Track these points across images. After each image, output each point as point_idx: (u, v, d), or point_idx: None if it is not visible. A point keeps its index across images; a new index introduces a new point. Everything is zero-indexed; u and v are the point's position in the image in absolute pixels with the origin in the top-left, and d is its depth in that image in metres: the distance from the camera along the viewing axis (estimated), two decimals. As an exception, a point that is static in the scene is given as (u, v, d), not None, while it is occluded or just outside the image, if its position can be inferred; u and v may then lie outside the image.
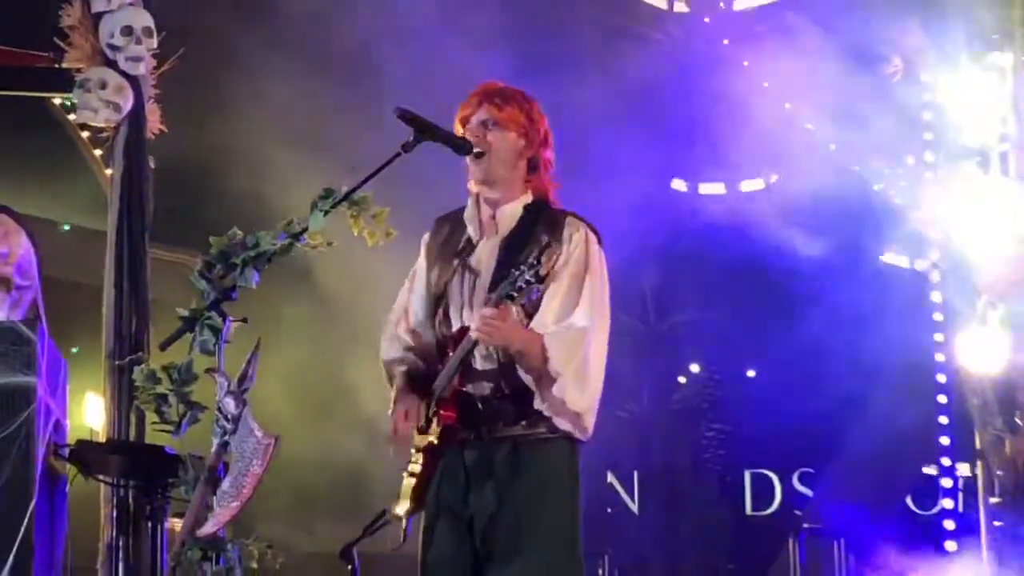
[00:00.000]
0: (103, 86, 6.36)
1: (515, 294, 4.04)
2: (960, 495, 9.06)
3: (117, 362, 6.14)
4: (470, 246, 4.38)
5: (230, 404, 4.31)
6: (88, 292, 6.72)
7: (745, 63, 9.75)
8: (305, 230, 4.43)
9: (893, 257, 9.51)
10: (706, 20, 10.40)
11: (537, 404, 4.18)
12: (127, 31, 6.40)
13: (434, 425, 4.24)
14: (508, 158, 4.35)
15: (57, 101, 7.61)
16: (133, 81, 6.43)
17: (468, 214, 4.43)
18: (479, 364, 4.25)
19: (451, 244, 4.41)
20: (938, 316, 8.97)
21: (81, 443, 5.66)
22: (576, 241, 4.25)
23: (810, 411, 9.63)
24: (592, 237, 4.31)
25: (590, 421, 4.23)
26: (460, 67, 7.33)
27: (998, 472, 8.48)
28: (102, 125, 6.48)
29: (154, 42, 6.48)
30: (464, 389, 4.24)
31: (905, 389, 9.37)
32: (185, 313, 4.42)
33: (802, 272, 9.32)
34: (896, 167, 8.75)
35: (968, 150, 8.44)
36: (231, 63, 8.29)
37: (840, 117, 8.66)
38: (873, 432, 9.60)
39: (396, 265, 4.63)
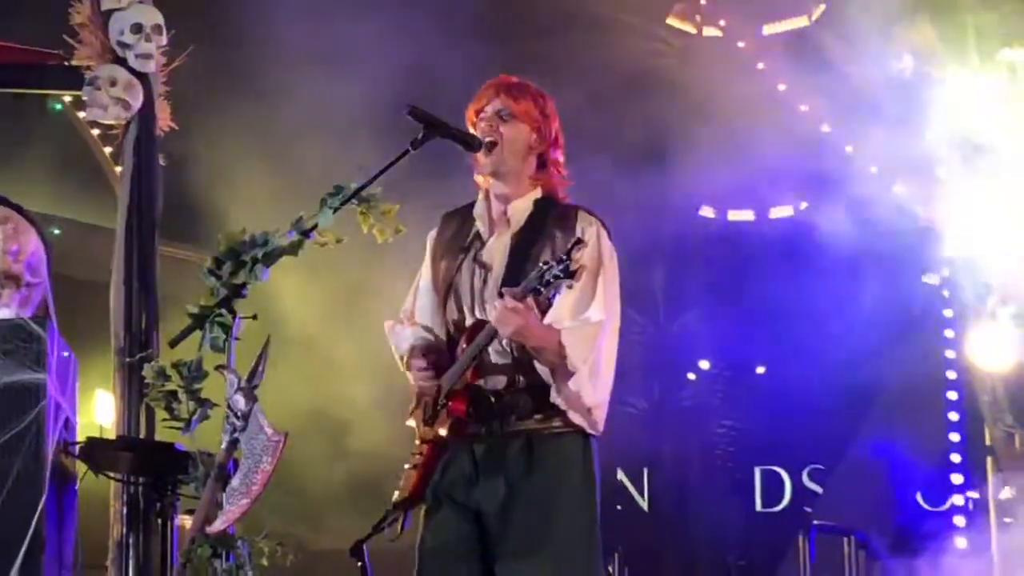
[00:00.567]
0: (113, 83, 6.35)
1: (542, 288, 4.01)
2: (970, 492, 9.05)
3: (127, 359, 6.14)
4: (479, 241, 4.37)
5: (240, 401, 4.30)
6: (97, 289, 6.71)
7: (781, 87, 9.67)
8: (315, 227, 4.42)
9: (930, 277, 9.35)
10: (740, 45, 10.26)
11: (553, 397, 4.18)
12: (137, 28, 6.38)
13: (442, 417, 4.24)
14: (520, 150, 4.34)
15: (67, 99, 7.61)
16: (143, 78, 6.43)
17: (478, 210, 4.42)
18: (494, 358, 4.23)
19: (459, 239, 4.40)
20: (948, 312, 8.97)
21: (91, 440, 5.64)
22: (589, 236, 4.24)
23: (820, 408, 9.61)
24: (603, 231, 4.31)
25: (601, 416, 4.23)
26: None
27: (1008, 468, 8.49)
28: (112, 122, 6.48)
29: (164, 39, 6.48)
30: (477, 383, 4.23)
31: (915, 386, 9.36)
32: (195, 310, 4.41)
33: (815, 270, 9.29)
34: (929, 181, 8.65)
35: (979, 146, 8.43)
36: (251, 60, 8.29)
37: (875, 137, 8.56)
38: (883, 428, 9.59)
39: (397, 266, 4.62)
